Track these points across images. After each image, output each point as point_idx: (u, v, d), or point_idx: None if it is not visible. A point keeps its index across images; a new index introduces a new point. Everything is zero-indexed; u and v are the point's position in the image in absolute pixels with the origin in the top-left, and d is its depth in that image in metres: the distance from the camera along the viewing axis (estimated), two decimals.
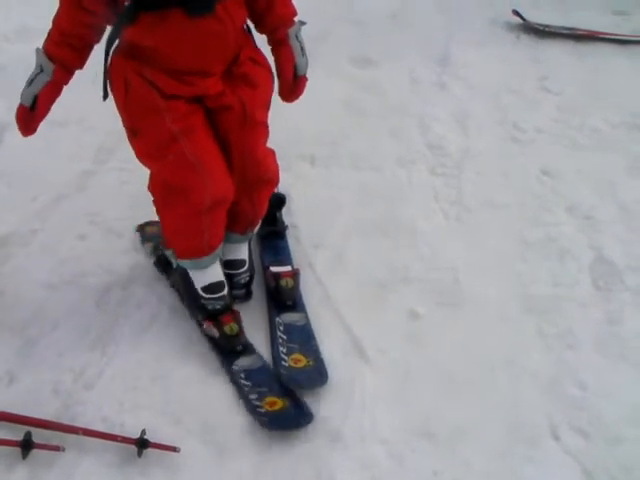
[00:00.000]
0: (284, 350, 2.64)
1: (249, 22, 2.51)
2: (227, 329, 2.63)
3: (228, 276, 2.80)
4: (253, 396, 2.50)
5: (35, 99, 2.35)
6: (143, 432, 2.31)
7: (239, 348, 2.64)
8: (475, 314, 2.81)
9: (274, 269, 2.89)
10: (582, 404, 2.50)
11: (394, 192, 3.42)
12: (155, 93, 2.38)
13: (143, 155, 2.53)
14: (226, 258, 2.84)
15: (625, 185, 3.48)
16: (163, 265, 2.92)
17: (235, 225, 2.78)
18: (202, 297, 2.71)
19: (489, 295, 2.88)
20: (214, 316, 2.67)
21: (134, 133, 2.49)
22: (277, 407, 2.47)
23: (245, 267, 2.85)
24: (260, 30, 2.54)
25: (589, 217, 3.28)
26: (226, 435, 2.39)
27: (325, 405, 2.47)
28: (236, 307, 2.77)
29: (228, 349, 2.64)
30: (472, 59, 4.48)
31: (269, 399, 2.49)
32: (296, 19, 2.53)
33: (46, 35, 2.36)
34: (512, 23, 4.88)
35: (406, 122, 3.91)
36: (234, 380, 2.56)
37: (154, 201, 2.65)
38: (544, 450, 2.38)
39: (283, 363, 2.60)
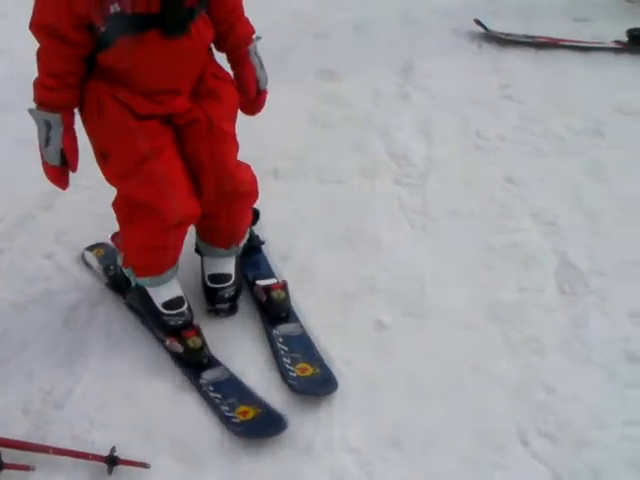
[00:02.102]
0: (288, 361, 2.65)
1: None
2: (191, 343, 2.63)
3: (213, 290, 2.82)
4: (225, 408, 2.50)
5: (62, 154, 2.38)
6: (113, 449, 2.31)
7: (204, 361, 2.64)
8: (441, 323, 2.82)
9: (262, 283, 2.89)
10: (550, 409, 2.51)
11: (359, 203, 3.44)
12: (128, 114, 2.40)
13: (112, 177, 2.55)
14: (211, 272, 2.86)
15: (588, 190, 3.50)
16: (117, 285, 2.90)
17: (218, 240, 2.81)
18: (163, 313, 2.70)
19: (455, 304, 2.89)
20: (176, 332, 2.67)
21: (104, 156, 2.50)
22: (250, 416, 2.47)
23: (230, 281, 2.85)
24: (221, 49, 2.59)
25: (553, 223, 3.30)
26: (196, 450, 2.39)
27: (295, 416, 2.48)
28: (225, 321, 2.83)
29: (194, 363, 2.64)
30: (435, 69, 4.49)
31: (241, 409, 2.50)
32: (254, 36, 2.60)
33: (34, 91, 2.35)
34: (474, 32, 4.90)
35: (370, 133, 3.92)
36: (204, 394, 2.56)
37: (118, 218, 2.66)
38: (513, 456, 2.39)
39: (291, 374, 2.60)
